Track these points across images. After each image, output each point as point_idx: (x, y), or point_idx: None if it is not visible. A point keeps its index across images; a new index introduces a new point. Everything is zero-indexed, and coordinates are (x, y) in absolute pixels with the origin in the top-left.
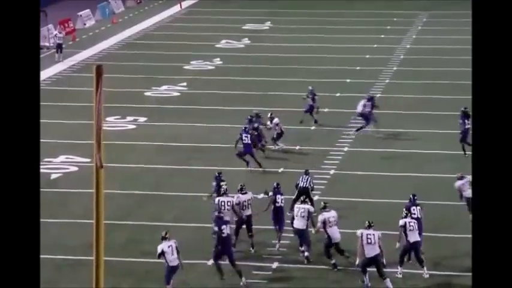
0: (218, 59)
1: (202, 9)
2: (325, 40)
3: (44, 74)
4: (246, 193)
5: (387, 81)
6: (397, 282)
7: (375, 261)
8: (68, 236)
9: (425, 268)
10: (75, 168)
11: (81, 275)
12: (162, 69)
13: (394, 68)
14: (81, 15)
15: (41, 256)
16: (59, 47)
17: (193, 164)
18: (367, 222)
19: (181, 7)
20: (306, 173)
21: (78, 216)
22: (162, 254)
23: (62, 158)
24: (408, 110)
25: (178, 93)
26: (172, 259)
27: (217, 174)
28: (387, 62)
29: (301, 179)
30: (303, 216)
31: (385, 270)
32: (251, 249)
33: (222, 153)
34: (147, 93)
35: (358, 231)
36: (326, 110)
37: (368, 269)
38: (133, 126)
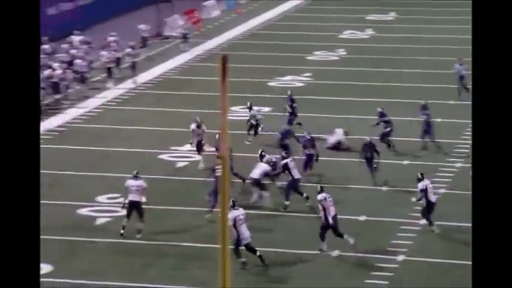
0: (342, 49)
1: (325, 0)
2: (454, 31)
3: (170, 64)
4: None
5: None
6: None
7: None
8: (193, 224)
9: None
10: (201, 157)
11: (207, 263)
12: (285, 59)
13: None
14: (206, 6)
15: (168, 243)
16: (184, 37)
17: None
18: None
19: None
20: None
21: (203, 204)
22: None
23: (187, 146)
24: None
25: (302, 84)
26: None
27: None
28: None
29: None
30: None
31: None
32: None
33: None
34: (271, 84)
35: None
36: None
37: None
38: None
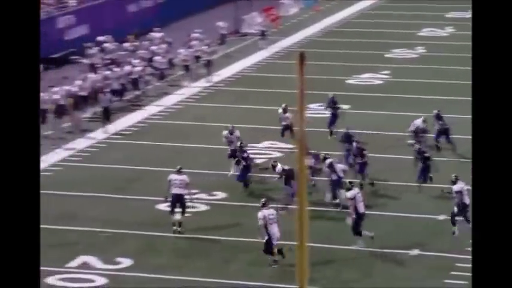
0: (421, 47)
1: None
2: None
3: (248, 61)
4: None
5: None
6: None
7: None
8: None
9: None
10: (279, 154)
11: (284, 260)
12: (363, 57)
13: None
14: (284, 3)
15: (245, 239)
16: (262, 34)
17: (392, 153)
18: None
19: None
20: None
21: (280, 201)
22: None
23: (265, 143)
24: None
25: (381, 82)
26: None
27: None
28: None
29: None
30: None
31: None
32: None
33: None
34: (349, 81)
35: None
36: None
37: None
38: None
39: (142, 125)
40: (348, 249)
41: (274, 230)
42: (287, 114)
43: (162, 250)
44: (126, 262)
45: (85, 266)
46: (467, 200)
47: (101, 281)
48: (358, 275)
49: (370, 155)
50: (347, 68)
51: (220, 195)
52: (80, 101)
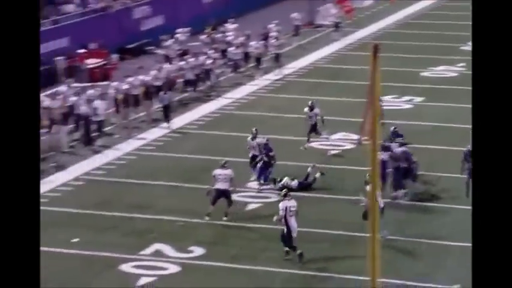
0: None
1: None
2: None
3: (322, 52)
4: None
5: None
6: None
7: None
8: (343, 212)
9: None
10: (352, 146)
11: (356, 251)
12: (438, 49)
13: None
14: None
15: (319, 231)
16: (336, 25)
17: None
18: None
19: None
20: None
21: (352, 193)
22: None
23: (339, 135)
24: None
25: (456, 74)
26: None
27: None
28: None
29: None
30: None
31: None
32: None
33: None
34: (424, 73)
35: None
36: None
37: None
38: (410, 106)
39: (216, 115)
40: (419, 241)
41: (293, 222)
42: (315, 111)
43: (234, 240)
44: (198, 251)
45: (158, 254)
46: None
47: (174, 269)
48: (427, 269)
49: (443, 147)
50: (422, 60)
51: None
52: (154, 91)
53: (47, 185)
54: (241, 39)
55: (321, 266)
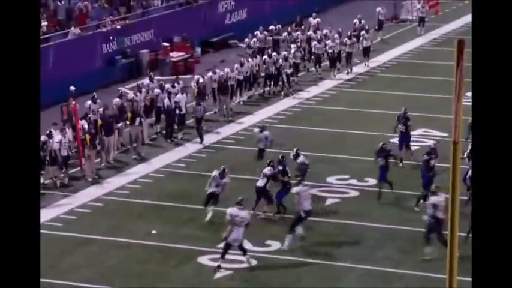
0: None
1: None
2: None
3: (405, 47)
4: None
5: None
6: None
7: None
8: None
9: None
10: (433, 142)
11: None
12: None
13: None
14: None
15: (396, 227)
16: (421, 20)
17: None
18: None
19: None
20: None
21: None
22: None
23: (419, 131)
24: None
25: None
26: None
27: (280, 158)
28: None
29: None
30: None
31: None
32: None
33: None
34: None
35: None
36: None
37: None
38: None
39: (297, 109)
40: None
41: (306, 203)
42: (265, 133)
43: (312, 235)
44: (275, 245)
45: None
46: None
47: (251, 262)
48: None
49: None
50: None
51: (371, 181)
52: (238, 85)
53: (128, 176)
54: (326, 32)
55: (398, 263)
